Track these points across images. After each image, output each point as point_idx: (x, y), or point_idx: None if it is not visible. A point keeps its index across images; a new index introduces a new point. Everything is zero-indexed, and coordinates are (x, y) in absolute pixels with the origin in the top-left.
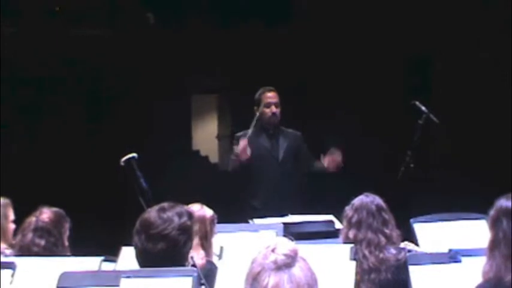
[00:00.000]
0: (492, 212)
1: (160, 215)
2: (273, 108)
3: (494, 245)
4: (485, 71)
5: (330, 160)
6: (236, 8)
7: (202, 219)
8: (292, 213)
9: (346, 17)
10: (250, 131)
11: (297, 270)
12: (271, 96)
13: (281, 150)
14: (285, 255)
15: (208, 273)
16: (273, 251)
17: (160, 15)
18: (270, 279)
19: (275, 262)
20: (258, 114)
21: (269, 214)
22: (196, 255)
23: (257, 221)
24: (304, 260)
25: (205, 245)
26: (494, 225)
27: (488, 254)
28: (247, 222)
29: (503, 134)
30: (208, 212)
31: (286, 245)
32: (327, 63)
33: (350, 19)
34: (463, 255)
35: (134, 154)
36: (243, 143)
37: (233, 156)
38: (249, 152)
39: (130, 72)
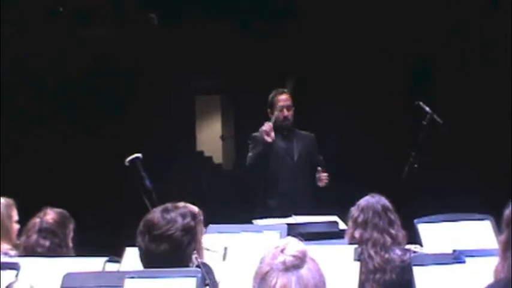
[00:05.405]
0: (507, 212)
1: (164, 215)
2: (285, 112)
3: (507, 245)
4: (486, 72)
5: (321, 177)
6: (239, 9)
7: None
8: (306, 214)
9: (349, 17)
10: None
11: (306, 272)
12: (283, 99)
13: (296, 151)
14: (294, 256)
15: None
16: (282, 251)
17: (164, 15)
18: (278, 280)
19: (284, 263)
20: (273, 118)
21: (284, 214)
22: None
23: (261, 221)
24: (313, 261)
25: None
26: (509, 225)
27: (501, 255)
28: (251, 223)
29: (507, 134)
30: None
31: (296, 246)
32: (330, 64)
33: (353, 19)
34: (467, 256)
35: (139, 154)
36: (268, 125)
37: (250, 153)
38: (273, 135)
39: (134, 73)
